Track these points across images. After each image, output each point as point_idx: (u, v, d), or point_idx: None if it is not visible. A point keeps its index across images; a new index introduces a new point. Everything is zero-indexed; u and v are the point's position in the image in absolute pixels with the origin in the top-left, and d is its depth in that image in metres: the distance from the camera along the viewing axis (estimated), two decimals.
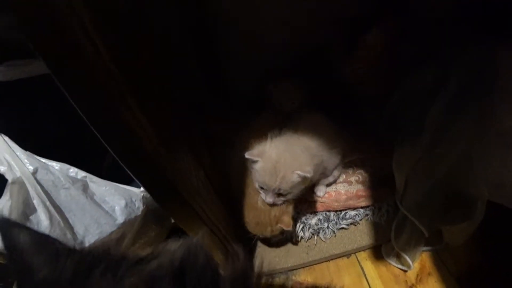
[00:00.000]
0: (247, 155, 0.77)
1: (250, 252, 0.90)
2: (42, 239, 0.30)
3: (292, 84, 1.08)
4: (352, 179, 0.98)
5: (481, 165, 0.87)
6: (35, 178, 0.62)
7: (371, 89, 1.07)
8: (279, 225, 0.81)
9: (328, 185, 0.96)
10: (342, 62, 1.09)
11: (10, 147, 0.63)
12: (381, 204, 0.95)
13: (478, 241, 0.89)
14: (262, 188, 0.79)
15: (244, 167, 0.86)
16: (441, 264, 0.90)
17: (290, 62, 1.17)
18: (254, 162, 0.78)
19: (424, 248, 0.92)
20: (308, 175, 0.74)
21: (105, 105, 0.39)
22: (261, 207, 0.81)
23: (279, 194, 0.78)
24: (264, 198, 0.79)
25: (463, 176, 0.89)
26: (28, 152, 0.64)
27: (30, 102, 0.76)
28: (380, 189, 0.96)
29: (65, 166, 0.67)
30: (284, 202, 0.80)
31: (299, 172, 0.73)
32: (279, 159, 0.76)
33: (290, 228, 0.81)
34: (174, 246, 0.33)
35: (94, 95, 0.37)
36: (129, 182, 0.76)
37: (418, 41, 1.10)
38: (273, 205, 0.80)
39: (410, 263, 0.88)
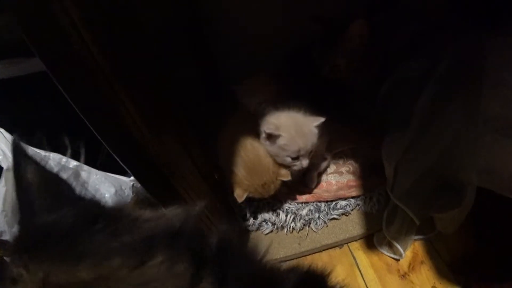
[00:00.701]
0: (268, 130, 0.81)
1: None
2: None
3: (258, 80, 1.06)
4: (343, 169, 0.98)
5: (470, 151, 0.88)
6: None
7: (354, 82, 1.09)
8: (279, 178, 0.86)
9: (319, 175, 0.98)
10: (324, 58, 1.12)
11: (5, 137, 0.67)
12: (372, 194, 0.96)
13: (471, 229, 0.90)
14: (295, 158, 0.83)
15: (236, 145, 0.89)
16: (434, 252, 0.90)
17: (279, 59, 1.21)
18: (276, 138, 0.82)
19: (417, 237, 0.92)
20: (322, 118, 0.83)
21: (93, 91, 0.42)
22: (261, 169, 0.85)
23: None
24: (299, 166, 0.84)
25: (452, 163, 0.89)
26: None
27: (27, 98, 0.80)
28: (371, 179, 0.97)
29: (58, 155, 0.69)
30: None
31: (316, 123, 0.82)
32: (296, 122, 0.83)
33: (289, 178, 0.86)
34: (174, 212, 0.35)
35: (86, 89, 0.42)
36: (122, 173, 0.79)
37: (407, 32, 1.12)
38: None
39: (402, 251, 0.88)
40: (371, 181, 0.97)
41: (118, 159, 0.54)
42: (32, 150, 0.67)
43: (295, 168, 0.85)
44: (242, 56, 1.15)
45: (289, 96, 0.99)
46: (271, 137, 0.82)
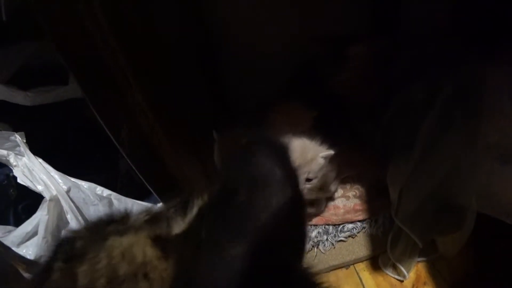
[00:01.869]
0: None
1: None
2: None
3: (297, 108, 1.06)
4: (350, 193, 1.05)
5: (470, 177, 0.93)
6: (69, 196, 0.73)
7: (361, 99, 1.16)
8: None
9: (327, 199, 1.04)
10: (331, 73, 1.19)
11: (45, 168, 0.75)
12: (377, 217, 1.01)
13: (471, 251, 0.94)
14: None
15: None
16: (437, 273, 0.95)
17: (286, 76, 1.28)
18: None
19: (420, 259, 0.97)
20: (331, 151, 0.84)
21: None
22: None
23: (306, 180, 0.85)
24: None
25: (453, 188, 0.95)
26: (60, 173, 0.76)
27: (57, 125, 0.88)
28: (377, 202, 1.03)
29: (93, 185, 0.77)
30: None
31: (323, 154, 0.84)
32: (304, 146, 0.86)
33: None
34: None
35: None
36: (144, 196, 0.87)
37: (410, 57, 1.18)
38: None
39: (405, 273, 0.93)
40: (376, 205, 1.02)
41: (142, 178, 0.61)
42: (71, 181, 0.76)
43: None
44: (250, 76, 1.23)
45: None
46: None
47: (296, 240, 0.25)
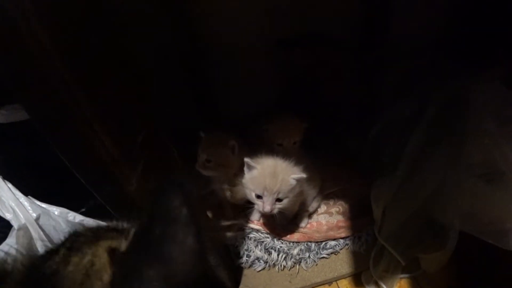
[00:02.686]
0: (247, 160, 0.83)
1: (236, 281, 0.97)
2: None
3: (289, 120, 1.03)
4: (333, 210, 1.04)
5: (453, 197, 0.93)
6: (38, 224, 0.71)
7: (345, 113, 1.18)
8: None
9: (309, 216, 1.03)
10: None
11: (14, 194, 0.73)
12: (360, 234, 1.01)
13: (453, 268, 0.94)
14: (259, 197, 0.84)
15: None
16: None
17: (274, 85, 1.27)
18: (251, 169, 0.85)
19: (402, 275, 0.96)
20: (304, 175, 0.82)
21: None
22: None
23: (277, 200, 0.83)
24: (260, 208, 0.84)
25: (436, 207, 0.94)
26: (30, 199, 0.73)
27: (28, 144, 0.84)
28: (360, 219, 1.02)
29: (64, 211, 0.75)
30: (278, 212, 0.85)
31: (294, 176, 0.82)
32: (277, 165, 0.85)
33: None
34: None
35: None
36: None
37: (398, 72, 1.17)
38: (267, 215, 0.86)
39: None
40: (359, 222, 1.01)
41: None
42: (41, 208, 0.74)
43: (257, 208, 0.86)
44: (239, 86, 1.21)
45: None
46: (249, 167, 0.85)
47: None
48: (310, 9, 1.11)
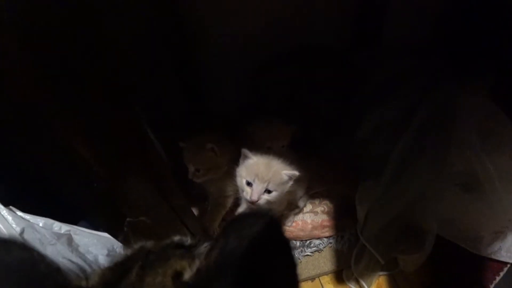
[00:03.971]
0: (244, 150, 0.85)
1: None
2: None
3: (276, 124, 1.05)
4: (318, 209, 1.06)
5: (434, 203, 0.97)
6: (23, 238, 0.68)
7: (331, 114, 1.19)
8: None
9: (295, 214, 1.05)
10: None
11: None
12: (343, 233, 1.04)
13: (429, 267, 1.00)
14: (249, 184, 0.85)
15: None
16: (396, 286, 1.01)
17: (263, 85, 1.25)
18: (246, 159, 0.86)
19: (381, 273, 1.01)
20: (296, 173, 0.84)
21: None
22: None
23: (266, 191, 0.84)
24: (248, 195, 0.84)
25: (417, 212, 0.98)
26: (11, 210, 0.70)
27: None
28: (343, 219, 1.05)
29: (49, 221, 0.72)
30: (266, 203, 0.86)
31: (287, 172, 0.83)
32: (273, 158, 0.86)
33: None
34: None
35: None
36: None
37: (387, 72, 1.16)
38: (254, 204, 0.85)
39: (366, 287, 0.98)
40: (343, 222, 1.05)
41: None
42: (24, 220, 0.71)
43: (245, 195, 0.86)
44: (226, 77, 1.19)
45: None
46: (245, 157, 0.86)
47: None
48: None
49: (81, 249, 0.74)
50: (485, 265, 0.93)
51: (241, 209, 1.06)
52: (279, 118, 1.04)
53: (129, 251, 0.34)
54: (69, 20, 0.37)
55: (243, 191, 0.87)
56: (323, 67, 1.20)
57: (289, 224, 1.03)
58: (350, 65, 1.22)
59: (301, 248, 1.02)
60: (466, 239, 0.95)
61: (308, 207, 1.06)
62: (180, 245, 0.34)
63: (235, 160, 0.91)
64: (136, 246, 0.34)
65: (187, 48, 1.12)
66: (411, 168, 0.97)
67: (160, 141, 0.93)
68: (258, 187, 0.83)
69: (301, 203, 1.04)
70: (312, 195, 1.07)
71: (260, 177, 0.83)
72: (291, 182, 0.87)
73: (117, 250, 0.78)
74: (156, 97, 1.16)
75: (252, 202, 0.85)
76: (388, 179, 0.98)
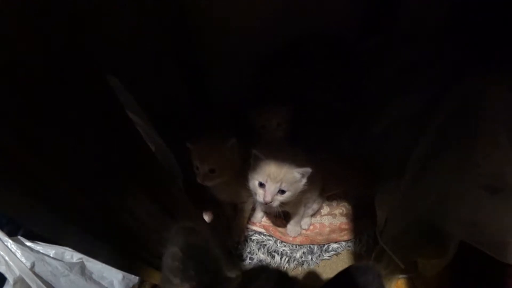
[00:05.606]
0: (255, 151, 0.81)
1: None
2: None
3: (276, 107, 1.04)
4: (336, 211, 1.02)
5: (458, 205, 0.93)
6: (34, 272, 0.65)
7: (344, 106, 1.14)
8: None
9: (311, 217, 1.02)
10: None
11: (2, 241, 0.65)
12: (361, 236, 1.01)
13: (449, 271, 0.98)
14: (261, 185, 0.81)
15: None
16: None
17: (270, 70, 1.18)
18: (257, 160, 0.82)
19: (400, 276, 1.00)
20: (309, 169, 0.80)
21: None
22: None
23: (279, 192, 0.81)
24: (261, 197, 0.81)
25: (440, 215, 0.94)
26: (20, 244, 0.67)
27: None
28: (361, 220, 1.02)
29: (60, 250, 0.69)
30: (278, 205, 0.83)
31: (299, 169, 0.80)
32: (284, 156, 0.82)
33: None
34: None
35: None
36: None
37: (402, 60, 1.08)
38: (267, 206, 0.83)
39: None
40: (361, 223, 1.02)
41: None
42: (34, 254, 0.68)
43: (258, 198, 0.83)
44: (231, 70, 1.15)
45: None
46: (256, 159, 0.82)
47: None
48: None
49: (95, 277, 0.72)
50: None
51: (257, 213, 1.03)
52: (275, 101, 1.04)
53: None
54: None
55: (256, 194, 0.83)
56: (330, 59, 1.13)
57: (306, 227, 1.00)
58: (360, 55, 1.14)
59: (319, 253, 1.00)
60: (491, 245, 0.91)
61: (326, 209, 1.02)
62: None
63: (242, 164, 0.89)
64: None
65: (191, 43, 1.07)
66: (433, 168, 0.92)
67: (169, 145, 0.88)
68: (271, 188, 0.80)
69: (315, 206, 1.00)
70: (329, 197, 1.03)
71: (273, 177, 0.79)
72: (304, 181, 0.83)
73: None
74: (160, 94, 1.10)
75: (266, 203, 0.81)
76: (409, 180, 0.94)
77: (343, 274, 0.39)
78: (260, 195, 0.81)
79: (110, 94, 0.42)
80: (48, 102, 0.35)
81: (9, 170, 0.35)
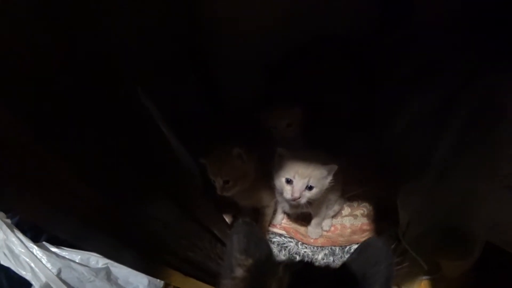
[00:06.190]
0: (280, 149, 0.82)
1: None
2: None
3: (285, 108, 1.03)
4: (357, 212, 1.01)
5: (482, 206, 0.91)
6: (60, 279, 0.63)
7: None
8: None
9: (333, 217, 1.01)
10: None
11: (27, 248, 0.64)
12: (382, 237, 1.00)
13: (473, 273, 0.96)
14: (288, 182, 0.81)
15: None
16: None
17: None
18: (283, 158, 0.82)
19: (423, 277, 0.99)
20: (335, 165, 0.80)
21: None
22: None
23: (307, 188, 0.81)
24: (289, 194, 0.80)
25: (463, 215, 0.93)
26: (45, 250, 0.65)
27: None
28: (383, 222, 1.00)
29: (85, 255, 0.68)
30: (306, 202, 0.82)
31: (326, 166, 0.80)
32: (310, 154, 0.82)
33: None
34: None
35: None
36: None
37: (421, 54, 1.06)
38: (295, 202, 0.82)
39: None
40: (382, 224, 1.00)
41: None
42: (60, 259, 0.66)
43: (285, 195, 0.82)
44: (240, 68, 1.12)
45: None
46: (281, 157, 0.83)
47: None
48: None
49: (120, 282, 0.71)
50: None
51: (278, 215, 1.01)
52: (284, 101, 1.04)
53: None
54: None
55: (282, 192, 0.83)
56: (344, 59, 1.11)
57: (327, 228, 0.99)
58: (376, 54, 1.12)
59: (340, 255, 0.98)
60: None
61: (347, 210, 1.01)
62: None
63: (260, 168, 0.89)
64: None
65: (201, 44, 1.07)
66: (455, 169, 0.90)
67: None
68: (299, 184, 0.79)
69: (336, 207, 0.99)
70: (349, 198, 1.01)
71: (301, 172, 0.79)
72: (330, 178, 0.82)
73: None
74: (173, 98, 1.08)
75: (294, 200, 0.81)
76: (431, 181, 0.92)
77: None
78: (288, 191, 0.81)
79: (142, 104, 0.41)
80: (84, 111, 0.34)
81: (39, 177, 0.34)
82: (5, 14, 0.27)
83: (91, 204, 0.41)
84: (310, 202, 0.84)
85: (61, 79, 0.32)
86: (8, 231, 0.64)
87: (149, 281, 0.72)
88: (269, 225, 1.01)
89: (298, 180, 0.79)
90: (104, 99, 0.38)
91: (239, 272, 0.42)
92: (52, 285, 0.62)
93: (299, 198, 0.79)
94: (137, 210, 0.48)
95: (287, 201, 0.85)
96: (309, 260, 0.45)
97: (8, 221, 0.66)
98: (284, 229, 1.01)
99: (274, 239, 1.00)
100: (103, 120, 0.38)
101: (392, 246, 0.88)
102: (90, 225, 0.42)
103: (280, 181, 0.82)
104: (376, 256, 0.41)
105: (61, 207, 0.37)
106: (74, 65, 0.34)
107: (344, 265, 0.43)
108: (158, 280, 0.74)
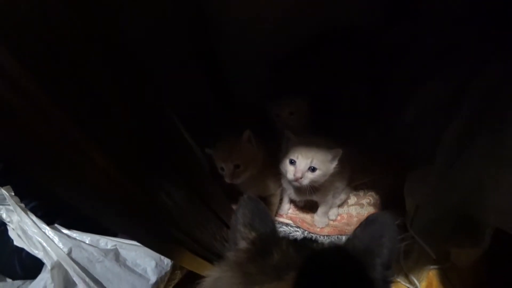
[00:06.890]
0: (287, 131, 0.85)
1: None
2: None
3: (289, 97, 1.07)
4: (364, 201, 1.01)
5: (492, 192, 0.90)
6: (71, 258, 0.66)
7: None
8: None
9: (338, 207, 1.01)
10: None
11: (40, 228, 0.67)
12: None
13: (483, 262, 0.94)
14: (292, 162, 0.82)
15: None
16: (447, 282, 0.96)
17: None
18: (290, 140, 0.85)
19: (432, 267, 0.97)
20: (340, 150, 0.81)
21: None
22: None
23: (310, 169, 0.81)
24: (291, 174, 0.81)
25: (472, 203, 0.91)
26: (59, 232, 0.69)
27: None
28: (390, 210, 1.00)
29: (95, 237, 0.71)
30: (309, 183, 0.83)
31: (329, 150, 0.81)
32: (315, 138, 0.85)
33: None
34: None
35: None
36: None
37: (429, 44, 1.06)
38: (297, 183, 0.83)
39: (417, 283, 0.94)
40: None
41: None
42: (71, 240, 0.69)
43: (288, 176, 0.83)
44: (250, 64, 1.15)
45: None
46: (288, 140, 0.85)
47: None
48: None
49: (128, 263, 0.73)
50: None
51: (284, 204, 1.02)
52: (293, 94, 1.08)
53: None
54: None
55: (286, 173, 0.84)
56: (353, 50, 1.11)
57: (334, 217, 0.99)
58: (385, 44, 1.12)
59: None
60: None
61: (353, 199, 1.01)
62: None
63: (269, 157, 0.91)
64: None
65: (211, 40, 1.08)
66: (465, 155, 0.90)
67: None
68: (301, 164, 0.80)
69: (343, 196, 0.99)
70: (355, 187, 1.01)
71: (304, 153, 0.80)
72: (335, 163, 0.83)
73: (165, 260, 0.76)
74: (186, 95, 1.11)
75: (296, 180, 0.81)
76: (440, 167, 0.91)
77: (360, 226, 0.44)
78: (291, 171, 0.82)
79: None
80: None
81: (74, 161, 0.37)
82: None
83: (109, 177, 0.43)
84: (315, 188, 0.84)
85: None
86: (23, 213, 0.68)
87: (156, 263, 0.74)
88: (275, 215, 1.02)
89: (301, 160, 0.80)
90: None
91: (243, 244, 0.43)
92: (63, 263, 0.65)
93: (301, 178, 0.80)
94: (151, 185, 0.50)
95: (290, 182, 0.86)
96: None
97: (22, 205, 0.70)
98: (291, 218, 1.02)
99: (281, 229, 1.01)
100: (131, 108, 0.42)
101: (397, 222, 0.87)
102: (107, 199, 0.44)
103: (285, 163, 0.83)
104: (381, 230, 0.42)
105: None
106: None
107: (349, 239, 0.43)
108: (165, 262, 0.76)
